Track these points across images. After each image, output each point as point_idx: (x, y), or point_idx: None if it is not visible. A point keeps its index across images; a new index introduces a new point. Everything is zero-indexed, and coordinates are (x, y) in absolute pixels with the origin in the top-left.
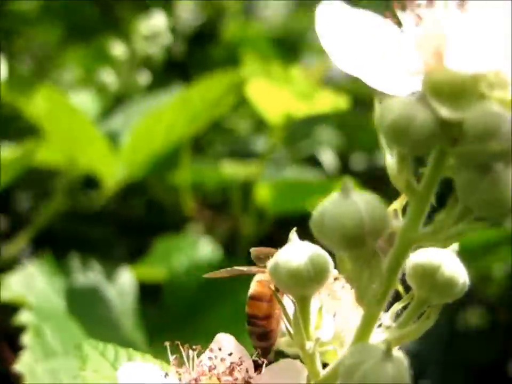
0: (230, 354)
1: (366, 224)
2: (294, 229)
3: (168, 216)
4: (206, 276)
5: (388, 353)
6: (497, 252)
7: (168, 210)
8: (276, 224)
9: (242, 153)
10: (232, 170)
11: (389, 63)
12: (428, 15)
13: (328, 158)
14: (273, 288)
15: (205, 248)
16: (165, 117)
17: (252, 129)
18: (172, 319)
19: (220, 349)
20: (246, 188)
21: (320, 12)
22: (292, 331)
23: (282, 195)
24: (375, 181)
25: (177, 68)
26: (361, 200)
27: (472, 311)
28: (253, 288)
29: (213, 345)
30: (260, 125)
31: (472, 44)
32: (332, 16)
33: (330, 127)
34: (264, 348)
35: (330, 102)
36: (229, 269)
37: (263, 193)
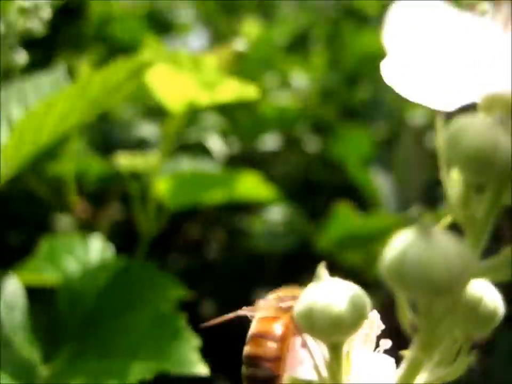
0: None
1: (457, 271)
2: (322, 263)
3: (51, 212)
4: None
5: None
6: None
7: (51, 206)
8: (174, 218)
9: (129, 141)
10: (127, 161)
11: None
12: None
13: (216, 144)
14: (293, 330)
15: (96, 248)
16: (57, 106)
17: (139, 116)
18: (70, 330)
19: None
20: (143, 181)
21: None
22: (321, 379)
23: (181, 188)
24: (256, 165)
25: (41, 44)
26: (446, 243)
27: None
28: (258, 325)
29: None
30: (150, 112)
31: None
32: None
33: (214, 111)
34: None
35: (238, 91)
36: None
37: (162, 187)
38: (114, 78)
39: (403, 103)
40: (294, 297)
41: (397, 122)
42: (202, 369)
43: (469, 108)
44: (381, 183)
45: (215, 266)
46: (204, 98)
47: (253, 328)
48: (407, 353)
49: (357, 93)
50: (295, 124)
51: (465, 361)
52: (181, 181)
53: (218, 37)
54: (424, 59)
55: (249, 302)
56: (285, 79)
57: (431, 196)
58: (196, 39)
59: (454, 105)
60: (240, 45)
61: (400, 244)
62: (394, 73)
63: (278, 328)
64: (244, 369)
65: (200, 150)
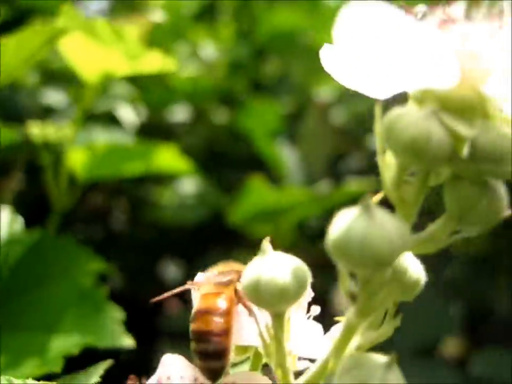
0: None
1: (396, 246)
2: (267, 238)
3: None
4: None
5: (390, 364)
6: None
7: None
8: (88, 190)
9: (34, 108)
10: (39, 131)
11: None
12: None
13: (126, 114)
14: (236, 301)
15: (4, 220)
16: None
17: (43, 82)
18: None
19: (168, 378)
20: (55, 151)
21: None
22: (265, 345)
23: (95, 160)
24: (164, 136)
25: None
26: (386, 220)
27: None
28: (202, 302)
29: (160, 371)
30: (54, 77)
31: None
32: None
33: (124, 80)
34: (216, 368)
35: (158, 62)
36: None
37: (75, 158)
38: (28, 46)
39: (310, 79)
40: (234, 272)
41: (304, 97)
42: (127, 341)
43: (401, 98)
44: (287, 156)
45: (121, 238)
46: (123, 69)
47: (198, 305)
48: (342, 319)
49: (266, 68)
50: (205, 95)
51: (393, 324)
52: (95, 153)
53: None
54: (366, 52)
55: (156, 274)
56: (194, 49)
57: (335, 169)
58: (96, 3)
59: (388, 94)
60: (157, 15)
61: (344, 222)
62: (336, 64)
63: (222, 303)
64: (194, 345)
65: (109, 119)
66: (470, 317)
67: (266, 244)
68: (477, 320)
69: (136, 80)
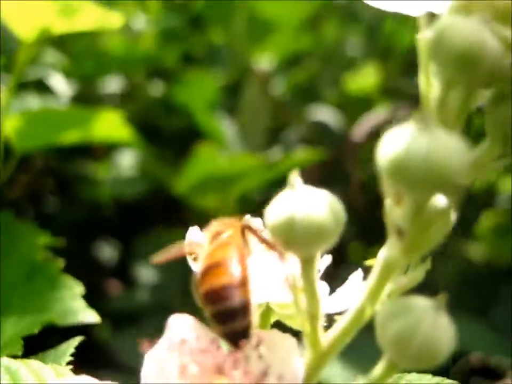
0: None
1: (459, 164)
2: (296, 171)
3: None
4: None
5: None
6: None
7: None
8: (23, 159)
9: None
10: None
11: None
12: None
13: (58, 83)
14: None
15: None
16: None
17: None
18: None
19: (183, 342)
20: None
21: None
22: (298, 297)
23: (31, 128)
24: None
25: None
26: (447, 137)
27: None
28: (209, 258)
29: (169, 336)
30: None
31: None
32: None
33: (54, 48)
34: (241, 329)
35: (100, 18)
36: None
37: (10, 126)
38: None
39: (249, 49)
40: (230, 226)
41: (243, 67)
42: (90, 316)
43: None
44: (226, 128)
45: (53, 218)
46: (61, 25)
47: (204, 263)
48: (380, 257)
49: (202, 38)
50: (136, 64)
51: (424, 267)
52: (31, 120)
53: None
54: None
55: (93, 254)
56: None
57: (275, 140)
58: None
59: (427, 9)
60: None
61: (400, 140)
62: None
63: (233, 251)
64: (209, 309)
65: (41, 88)
66: None
67: (295, 177)
68: None
69: (67, 46)
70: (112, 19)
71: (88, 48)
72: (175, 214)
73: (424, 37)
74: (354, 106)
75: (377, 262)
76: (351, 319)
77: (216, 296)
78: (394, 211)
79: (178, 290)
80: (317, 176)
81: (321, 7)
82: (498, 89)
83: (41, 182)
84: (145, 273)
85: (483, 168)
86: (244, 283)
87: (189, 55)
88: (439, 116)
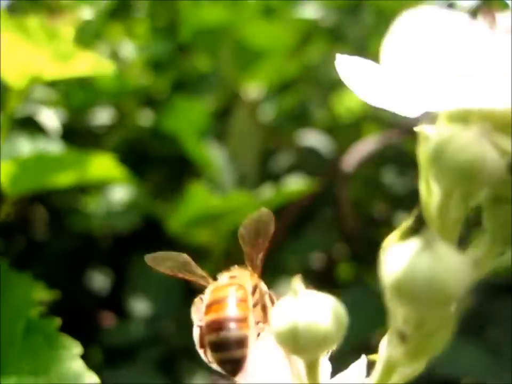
0: None
1: (462, 281)
2: (298, 276)
3: None
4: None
5: None
6: None
7: None
8: (16, 204)
9: None
10: None
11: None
12: None
13: (49, 118)
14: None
15: None
16: None
17: None
18: None
19: None
20: None
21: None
22: None
23: (24, 173)
24: (87, 140)
25: None
26: (450, 254)
27: None
28: (213, 294)
29: None
30: None
31: None
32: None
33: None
34: (236, 359)
35: (93, 65)
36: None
37: (3, 172)
38: None
39: (237, 75)
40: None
41: (232, 94)
42: (90, 379)
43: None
44: (216, 155)
45: (44, 248)
46: (53, 72)
47: (208, 299)
48: (381, 355)
49: (191, 65)
50: (126, 95)
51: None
52: (24, 165)
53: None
54: (417, 63)
55: (82, 284)
56: (113, 49)
57: (265, 167)
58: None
59: (419, 111)
60: (86, 13)
61: (404, 258)
62: (359, 77)
63: (235, 291)
64: (209, 338)
65: (31, 124)
66: None
67: (296, 282)
68: None
69: (56, 83)
70: (105, 65)
71: (77, 81)
72: (167, 247)
73: (423, 148)
74: (344, 129)
75: (379, 359)
76: None
77: (216, 326)
78: (398, 316)
79: (174, 321)
80: (308, 200)
81: (309, 29)
82: (497, 192)
83: (32, 210)
84: (139, 305)
85: (484, 268)
86: (243, 319)
87: (178, 82)
88: (439, 225)
